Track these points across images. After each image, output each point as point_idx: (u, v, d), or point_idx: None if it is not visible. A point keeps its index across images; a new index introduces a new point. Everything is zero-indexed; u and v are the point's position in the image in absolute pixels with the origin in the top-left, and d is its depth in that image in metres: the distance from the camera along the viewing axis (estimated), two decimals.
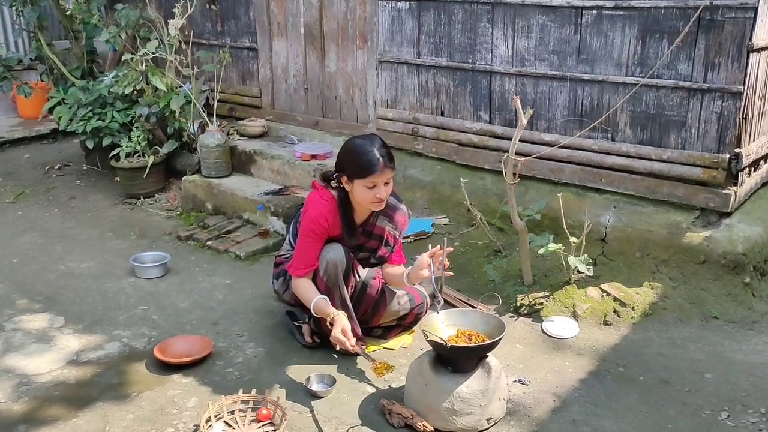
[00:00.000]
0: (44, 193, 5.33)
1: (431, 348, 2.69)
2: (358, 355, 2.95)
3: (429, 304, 3.20)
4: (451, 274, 2.79)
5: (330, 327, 2.81)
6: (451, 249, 2.77)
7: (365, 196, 2.81)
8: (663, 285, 3.48)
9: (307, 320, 3.17)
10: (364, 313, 3.11)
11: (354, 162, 2.80)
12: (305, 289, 2.95)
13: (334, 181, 2.93)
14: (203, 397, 2.79)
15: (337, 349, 2.86)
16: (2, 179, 5.61)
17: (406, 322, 3.22)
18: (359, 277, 3.06)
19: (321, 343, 3.11)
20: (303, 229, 2.94)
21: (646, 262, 3.61)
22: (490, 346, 2.62)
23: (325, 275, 2.91)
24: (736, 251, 3.45)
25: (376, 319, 3.15)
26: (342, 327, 2.76)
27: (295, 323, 3.24)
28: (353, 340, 2.77)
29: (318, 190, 2.98)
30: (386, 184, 2.82)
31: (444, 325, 2.75)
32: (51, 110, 5.56)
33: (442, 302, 2.77)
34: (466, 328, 2.74)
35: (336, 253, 2.91)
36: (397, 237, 3.07)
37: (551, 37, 3.90)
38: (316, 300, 2.89)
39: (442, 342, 2.56)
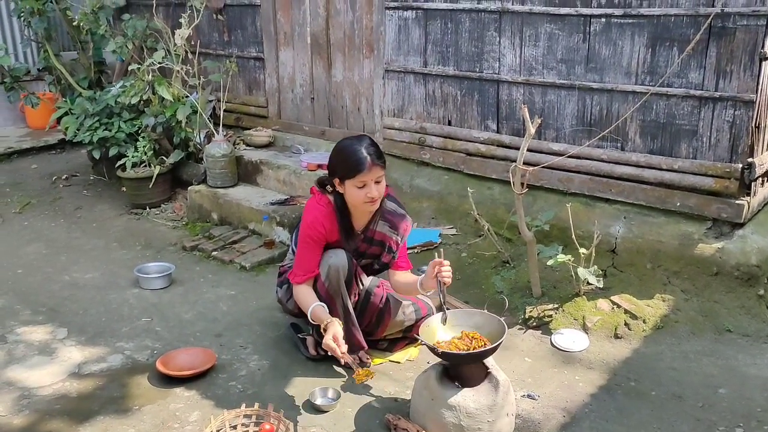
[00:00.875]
0: (51, 203, 5.33)
1: (438, 362, 2.64)
2: (364, 365, 2.93)
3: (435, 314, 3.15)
4: (448, 283, 2.74)
5: (324, 334, 2.77)
6: (438, 257, 2.74)
7: (357, 196, 2.78)
8: (675, 297, 3.41)
9: (311, 332, 3.12)
10: (369, 323, 3.07)
11: (343, 163, 2.79)
12: (304, 295, 2.91)
13: (329, 186, 2.90)
14: (205, 411, 2.75)
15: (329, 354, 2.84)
16: (9, 189, 5.61)
17: (411, 334, 3.17)
18: (362, 284, 3.02)
19: (325, 356, 3.06)
20: (301, 236, 2.92)
21: (658, 273, 3.54)
22: (485, 354, 2.55)
23: (326, 280, 2.86)
24: (749, 263, 3.39)
25: (381, 329, 3.10)
26: (334, 334, 2.69)
27: (299, 335, 3.20)
28: (344, 347, 2.69)
29: (315, 196, 2.95)
30: (377, 182, 2.78)
31: (449, 326, 2.71)
32: (59, 120, 5.57)
33: (447, 316, 2.72)
34: (471, 330, 2.69)
35: (338, 258, 2.87)
36: (400, 242, 3.02)
37: (559, 46, 3.86)
38: (313, 306, 2.84)
39: (433, 347, 2.53)
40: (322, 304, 2.85)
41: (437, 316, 2.74)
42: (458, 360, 2.57)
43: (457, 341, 2.63)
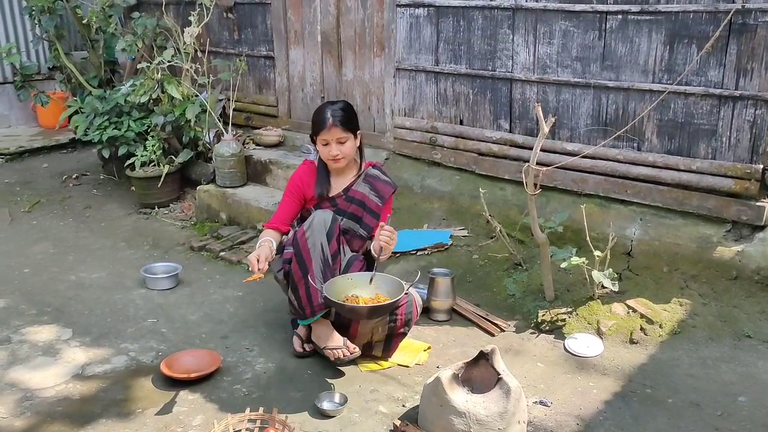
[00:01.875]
0: (60, 202, 5.31)
1: (446, 367, 2.58)
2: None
3: (421, 307, 3.11)
4: (386, 248, 2.89)
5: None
6: (384, 223, 2.96)
7: (323, 152, 3.10)
8: (692, 302, 3.32)
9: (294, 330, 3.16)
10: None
11: (313, 121, 3.11)
12: (265, 234, 3.13)
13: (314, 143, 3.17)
14: (209, 415, 2.69)
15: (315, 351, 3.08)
16: (20, 188, 5.60)
17: (398, 327, 3.04)
18: (344, 254, 3.09)
19: (312, 352, 3.10)
20: (284, 192, 3.22)
21: (675, 277, 3.45)
22: (360, 310, 2.74)
23: (309, 230, 2.94)
24: None
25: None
26: (259, 254, 2.88)
27: (295, 331, 3.17)
28: (264, 265, 2.84)
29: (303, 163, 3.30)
30: (340, 143, 3.04)
31: (373, 286, 2.87)
32: (69, 119, 5.55)
33: (374, 278, 2.90)
34: (386, 296, 2.83)
35: (324, 213, 3.01)
36: (380, 204, 3.15)
37: (574, 43, 3.78)
38: (264, 239, 3.05)
39: (321, 291, 2.75)
40: (272, 239, 3.06)
41: (366, 274, 2.94)
42: (340, 309, 2.79)
43: (365, 298, 2.82)
